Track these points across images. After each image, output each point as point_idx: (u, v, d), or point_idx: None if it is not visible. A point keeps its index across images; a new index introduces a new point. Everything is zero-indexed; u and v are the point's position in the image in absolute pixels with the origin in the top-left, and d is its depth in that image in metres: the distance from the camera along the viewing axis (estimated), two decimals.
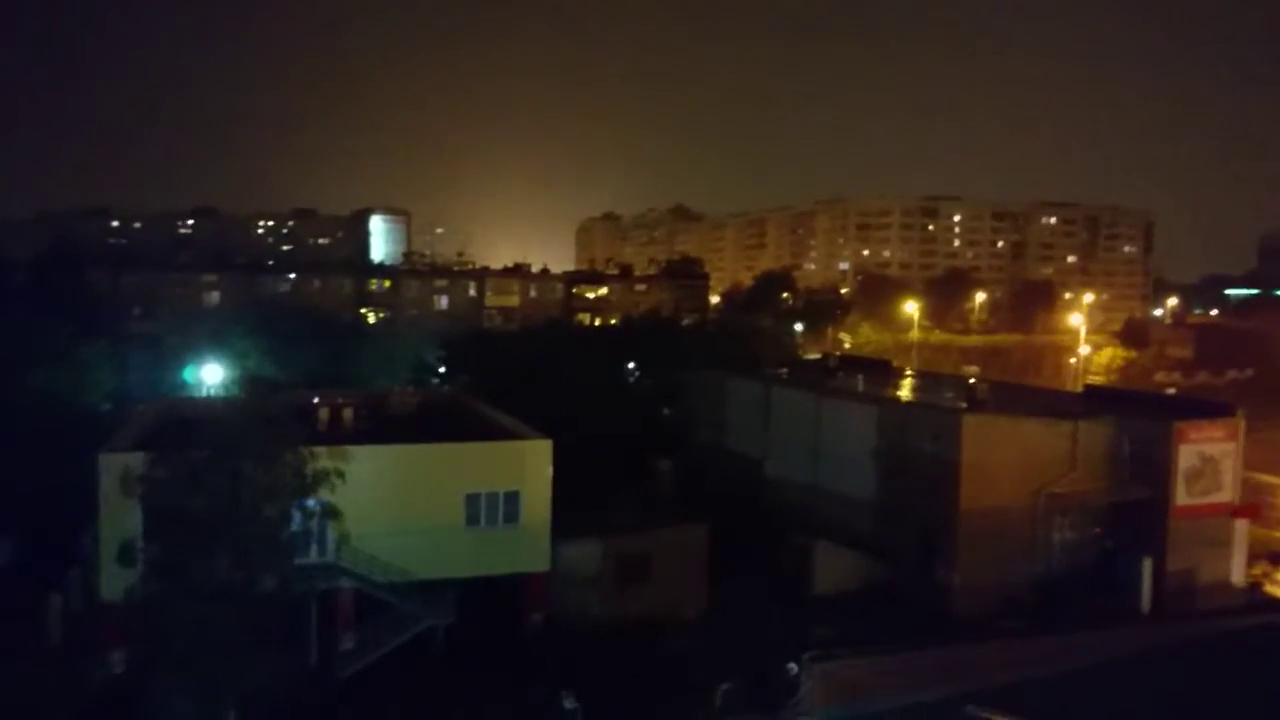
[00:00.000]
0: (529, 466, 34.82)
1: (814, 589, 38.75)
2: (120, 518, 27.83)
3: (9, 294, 66.48)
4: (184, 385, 56.44)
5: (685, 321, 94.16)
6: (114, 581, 27.95)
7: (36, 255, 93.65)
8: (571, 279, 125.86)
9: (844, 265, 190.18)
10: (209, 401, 42.93)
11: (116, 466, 28.57)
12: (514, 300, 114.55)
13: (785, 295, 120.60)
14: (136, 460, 26.89)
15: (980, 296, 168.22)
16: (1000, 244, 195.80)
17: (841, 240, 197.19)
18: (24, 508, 37.61)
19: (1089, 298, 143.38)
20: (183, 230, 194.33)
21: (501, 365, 53.90)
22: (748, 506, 43.70)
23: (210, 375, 56.22)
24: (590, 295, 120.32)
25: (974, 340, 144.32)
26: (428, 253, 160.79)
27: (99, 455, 30.17)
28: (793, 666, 26.30)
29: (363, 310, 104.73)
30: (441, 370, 63.55)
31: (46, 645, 32.21)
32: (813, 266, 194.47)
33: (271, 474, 25.28)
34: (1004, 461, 37.99)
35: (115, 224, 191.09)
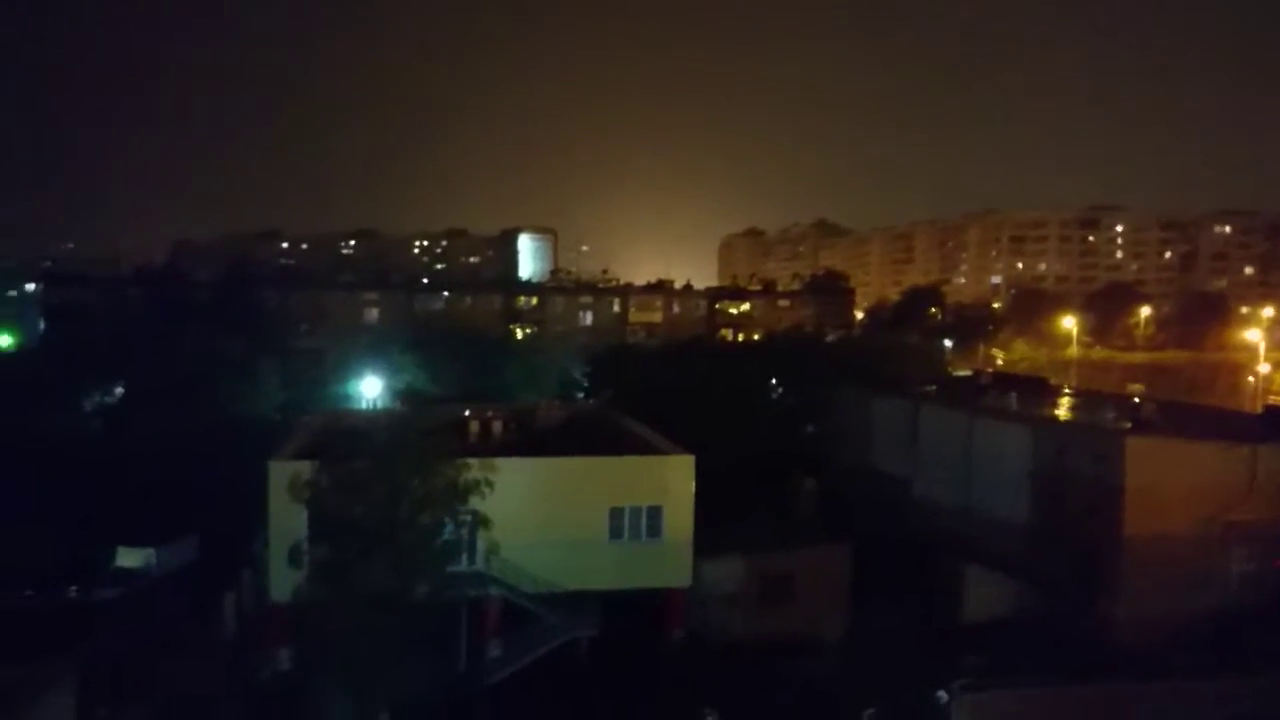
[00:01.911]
0: (672, 481, 35.04)
1: (963, 615, 37.40)
2: (288, 522, 29.49)
3: (194, 312, 71.77)
4: (346, 397, 59.45)
5: (829, 337, 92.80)
6: (282, 583, 29.65)
7: (217, 275, 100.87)
8: (714, 295, 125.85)
9: (996, 279, 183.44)
10: (369, 413, 45.11)
11: (285, 473, 30.33)
12: (657, 316, 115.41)
13: (933, 310, 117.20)
14: (303, 468, 28.49)
15: (1146, 311, 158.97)
16: (1168, 255, 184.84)
17: (994, 253, 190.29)
18: (206, 510, 40.46)
19: (1268, 312, 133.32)
20: (345, 250, 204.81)
21: (645, 381, 54.42)
22: (893, 527, 42.65)
23: (370, 388, 59.08)
24: (733, 311, 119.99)
25: (1139, 358, 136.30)
26: (573, 270, 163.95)
27: (269, 462, 32.17)
28: (942, 695, 25.48)
29: (511, 326, 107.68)
30: (586, 385, 64.71)
31: (221, 640, 34.44)
32: (963, 281, 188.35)
33: (426, 484, 26.33)
34: (1173, 487, 35.71)
35: (285, 245, 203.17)
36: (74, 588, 37.46)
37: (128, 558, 39.41)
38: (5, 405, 48.82)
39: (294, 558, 27.19)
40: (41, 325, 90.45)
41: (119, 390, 60.86)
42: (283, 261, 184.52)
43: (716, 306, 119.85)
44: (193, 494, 40.14)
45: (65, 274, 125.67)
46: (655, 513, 34.64)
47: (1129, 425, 40.35)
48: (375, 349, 65.11)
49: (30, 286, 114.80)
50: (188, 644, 32.88)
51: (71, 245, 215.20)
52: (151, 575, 39.20)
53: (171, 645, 32.21)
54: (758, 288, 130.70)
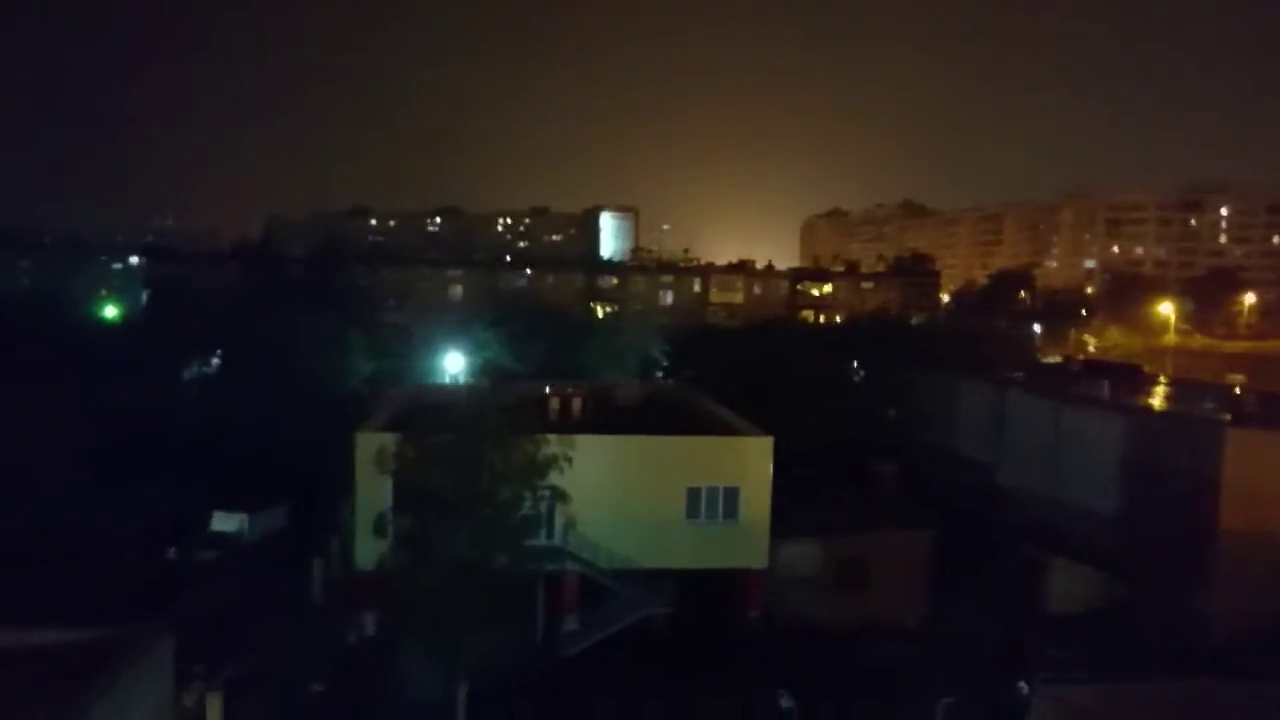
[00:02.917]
0: (750, 463, 34.95)
1: (1047, 605, 36.59)
2: (374, 492, 30.29)
3: (288, 287, 73.97)
4: (430, 372, 60.63)
5: (913, 321, 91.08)
6: (367, 551, 30.52)
7: (310, 252, 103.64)
8: (796, 276, 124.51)
9: (1090, 263, 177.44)
10: (452, 388, 45.93)
11: (371, 444, 31.11)
12: (738, 297, 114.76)
13: (1022, 295, 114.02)
14: (388, 440, 29.18)
15: (1250, 298, 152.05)
16: (1276, 240, 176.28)
17: (1088, 236, 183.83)
18: (296, 479, 41.85)
19: None
20: (431, 228, 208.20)
21: (724, 361, 54.23)
22: (976, 515, 41.83)
23: (453, 364, 60.15)
24: (815, 292, 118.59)
25: (1240, 346, 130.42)
26: (654, 249, 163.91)
27: (356, 434, 33.05)
28: (1023, 686, 24.93)
29: (592, 304, 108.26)
30: (666, 364, 64.80)
31: (310, 603, 35.64)
32: (1054, 264, 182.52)
33: (507, 458, 26.74)
34: (1273, 481, 34.32)
35: (373, 222, 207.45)
36: (172, 550, 39.20)
37: (222, 523, 41.02)
38: (110, 374, 51.06)
39: (379, 527, 27.93)
40: (144, 298, 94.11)
41: (216, 361, 63.17)
42: (371, 239, 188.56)
43: (798, 287, 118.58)
44: (284, 463, 41.54)
45: (166, 248, 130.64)
46: (732, 493, 34.61)
47: (1228, 416, 38.82)
48: (459, 325, 66.22)
49: (134, 260, 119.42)
50: (279, 607, 34.13)
51: (171, 221, 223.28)
52: (244, 540, 40.76)
53: (263, 607, 33.48)
54: (840, 269, 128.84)
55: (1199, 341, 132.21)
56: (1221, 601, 33.78)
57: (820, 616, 34.15)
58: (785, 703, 26.63)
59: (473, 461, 26.31)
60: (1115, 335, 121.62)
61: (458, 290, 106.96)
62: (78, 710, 17.95)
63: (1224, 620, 33.46)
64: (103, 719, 18.69)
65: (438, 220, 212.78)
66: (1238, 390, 48.60)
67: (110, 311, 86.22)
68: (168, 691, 22.33)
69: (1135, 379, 54.31)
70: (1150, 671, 25.40)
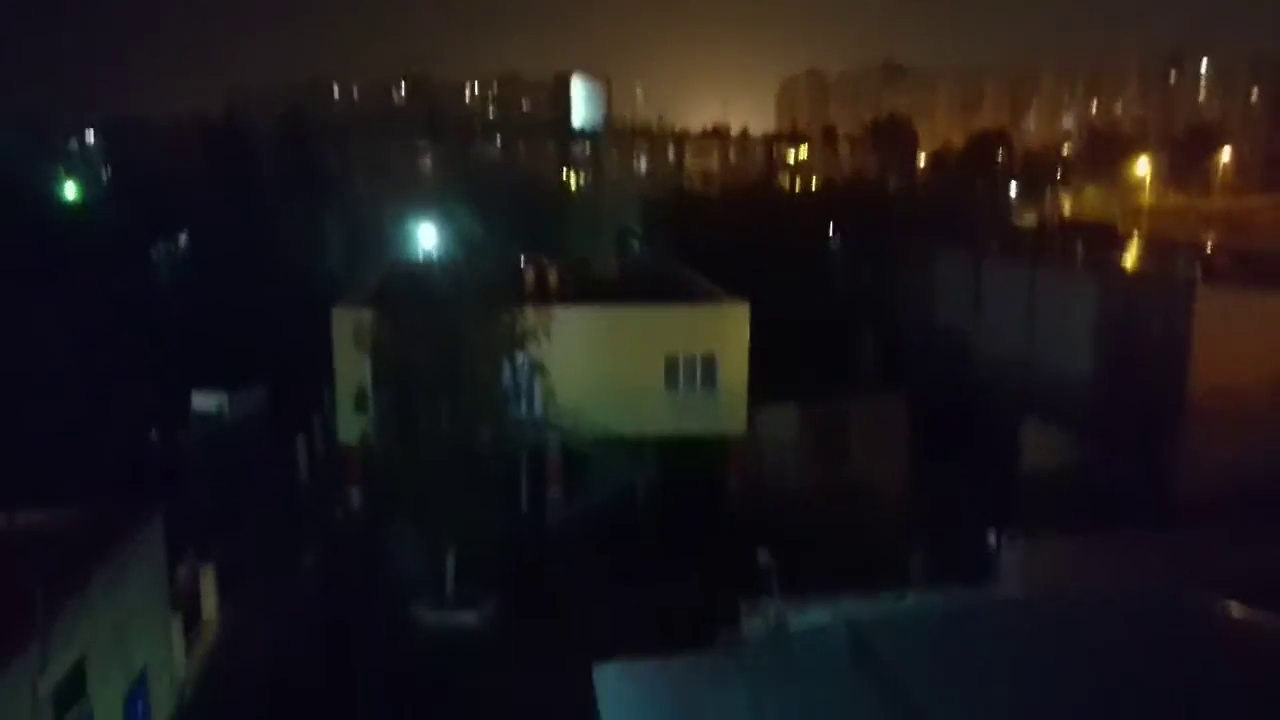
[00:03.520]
0: (727, 330, 35.09)
1: (1021, 466, 37.59)
2: (353, 368, 30.32)
3: (254, 163, 72.10)
4: (404, 248, 59.88)
5: (891, 186, 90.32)
6: (349, 426, 30.76)
7: (273, 123, 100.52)
8: (772, 141, 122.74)
9: (1068, 123, 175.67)
10: (427, 263, 45.36)
11: (348, 321, 30.98)
12: (713, 163, 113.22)
13: (1000, 157, 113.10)
14: (365, 316, 28.99)
15: (1227, 155, 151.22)
16: (1254, 98, 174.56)
17: (1067, 97, 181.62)
18: (274, 359, 41.73)
19: None
20: (396, 99, 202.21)
21: (701, 229, 53.86)
22: (952, 380, 42.51)
23: (427, 239, 59.36)
24: (791, 159, 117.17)
25: (1217, 204, 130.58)
26: (628, 116, 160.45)
27: (333, 310, 32.84)
28: (992, 541, 25.85)
29: (565, 174, 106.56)
30: (641, 234, 64.28)
31: (296, 480, 36.10)
32: (1033, 127, 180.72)
33: (485, 332, 26.70)
34: (1245, 340, 34.90)
35: (336, 95, 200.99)
36: (153, 432, 39.28)
37: (202, 403, 41.03)
38: (75, 257, 50.16)
39: (359, 403, 28.06)
40: (105, 177, 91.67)
41: (183, 240, 62.09)
42: (334, 111, 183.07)
43: (774, 153, 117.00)
44: (261, 344, 41.36)
45: (123, 121, 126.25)
46: (710, 361, 34.87)
47: (1199, 275, 39.20)
48: (431, 199, 65.14)
49: (90, 139, 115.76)
50: (264, 484, 34.55)
51: (126, 96, 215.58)
52: (225, 420, 40.89)
53: (249, 485, 33.88)
54: (817, 134, 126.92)
55: (1175, 201, 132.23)
56: (1189, 457, 34.81)
57: (799, 482, 35.00)
58: (764, 560, 27.50)
59: (450, 335, 26.27)
60: (1092, 196, 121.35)
61: (427, 163, 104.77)
62: (74, 590, 18.28)
63: (1190, 475, 34.55)
64: (99, 597, 19.08)
65: (403, 90, 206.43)
66: (1210, 249, 48.91)
67: (70, 193, 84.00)
68: (161, 569, 22.76)
69: (1110, 240, 54.54)
70: (1115, 524, 26.36)
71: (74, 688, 17.93)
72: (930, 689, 15.32)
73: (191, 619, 24.73)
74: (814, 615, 18.25)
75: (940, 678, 15.70)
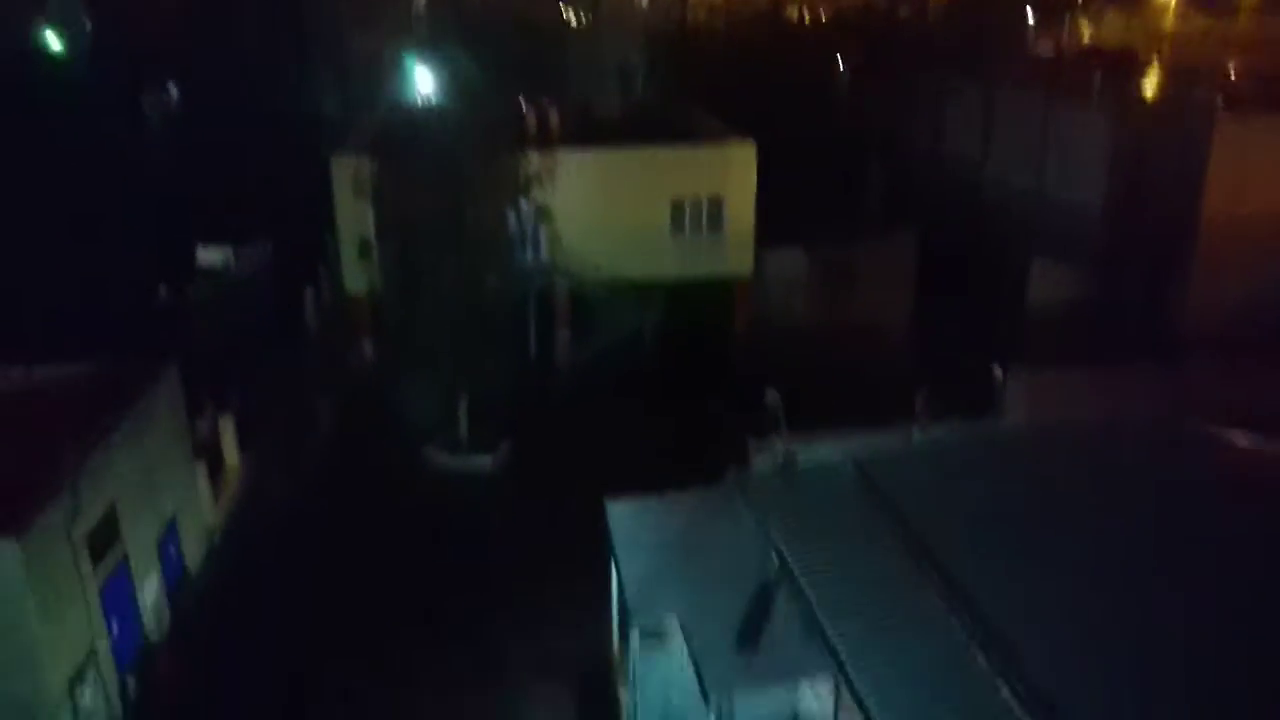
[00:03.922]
0: (733, 171, 34.47)
1: (1029, 301, 37.57)
2: (355, 218, 30.09)
3: (239, 5, 69.23)
4: (401, 92, 58.28)
5: (902, 14, 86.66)
6: (355, 276, 30.80)
7: None
8: None
9: None
10: (426, 108, 44.23)
11: (348, 169, 30.48)
12: None
13: None
14: (365, 163, 28.49)
15: None
16: None
17: None
18: (276, 211, 41.33)
19: None
20: None
21: (705, 65, 52.14)
22: (963, 217, 41.98)
23: (424, 83, 57.66)
24: None
25: (1244, 27, 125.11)
26: None
27: (332, 158, 32.27)
28: (998, 373, 26.08)
29: (564, 10, 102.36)
30: (644, 72, 62.27)
31: (306, 332, 36.37)
32: None
33: (487, 177, 26.29)
34: (1265, 169, 34.11)
35: None
36: (161, 287, 39.34)
37: (207, 257, 40.91)
38: (64, 109, 49.02)
39: (364, 251, 27.98)
40: (88, 26, 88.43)
41: (175, 91, 60.50)
42: None
43: None
44: (261, 196, 40.85)
45: None
46: (716, 203, 34.43)
47: (1220, 101, 38.01)
48: (426, 41, 62.88)
49: None
50: (275, 336, 34.83)
51: None
52: (231, 274, 40.86)
53: (260, 337, 34.15)
54: None
55: (1200, 23, 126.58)
56: (1200, 291, 34.61)
57: (807, 322, 35.14)
58: (771, 399, 27.94)
59: (451, 181, 25.88)
60: (1113, 21, 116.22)
61: (421, 2, 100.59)
62: (99, 440, 18.73)
63: (1199, 311, 34.44)
64: (123, 447, 19.57)
65: None
66: (1233, 74, 47.23)
67: (54, 44, 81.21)
68: (181, 419, 23.24)
69: (1130, 67, 52.65)
70: (1121, 356, 26.52)
71: (108, 533, 18.62)
72: (934, 521, 15.83)
73: (215, 468, 25.42)
74: (821, 451, 18.70)
75: (944, 510, 16.20)
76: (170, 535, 21.64)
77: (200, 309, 37.28)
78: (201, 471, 24.13)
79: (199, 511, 23.78)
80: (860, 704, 12.03)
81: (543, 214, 29.00)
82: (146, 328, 33.13)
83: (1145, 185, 36.58)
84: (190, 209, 41.62)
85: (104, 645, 18.02)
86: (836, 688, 13.33)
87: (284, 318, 36.28)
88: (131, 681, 18.81)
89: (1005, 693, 11.74)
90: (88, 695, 17.13)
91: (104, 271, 38.51)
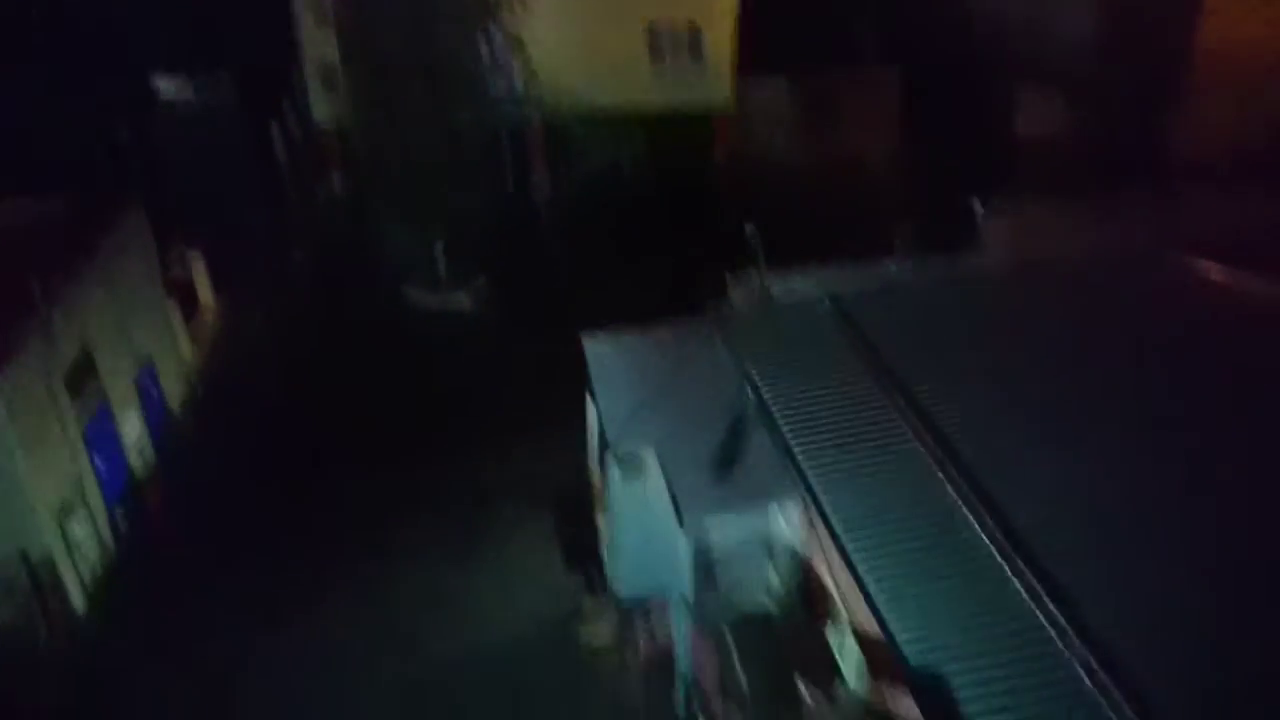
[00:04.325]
0: None
1: (1016, 132, 36.90)
2: (319, 44, 28.83)
3: None
4: None
5: None
6: (321, 105, 29.77)
7: None
8: None
9: None
10: None
11: None
12: None
13: None
14: None
15: None
16: None
17: None
18: (237, 42, 39.39)
19: None
20: None
21: None
22: (950, 46, 40.62)
23: None
24: None
25: None
26: None
27: None
28: (977, 206, 25.87)
29: None
30: None
31: (276, 167, 35.42)
32: None
33: (453, 1, 25.06)
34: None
35: None
36: (122, 120, 37.96)
37: (168, 89, 39.36)
38: None
39: (328, 78, 26.95)
40: None
41: None
42: None
43: None
44: (220, 25, 38.86)
45: None
46: (696, 34, 33.13)
47: None
48: None
49: None
50: (242, 170, 33.95)
51: None
52: (194, 107, 39.42)
53: (227, 171, 33.29)
54: None
55: None
56: (1192, 120, 33.96)
57: (789, 155, 34.48)
58: (750, 232, 27.74)
59: (418, 5, 24.65)
60: None
61: None
62: (70, 278, 18.45)
63: (1194, 138, 33.81)
64: (95, 285, 19.30)
65: None
66: None
67: None
68: (151, 259, 22.86)
69: None
70: (1111, 187, 26.23)
71: (85, 371, 18.61)
72: (908, 355, 16.00)
73: (189, 307, 25.22)
74: (798, 286, 18.68)
75: (919, 345, 16.34)
76: (149, 375, 21.66)
77: (163, 143, 36.15)
78: (175, 311, 23.95)
79: (176, 351, 23.75)
80: (828, 527, 12.47)
81: (514, 43, 27.76)
82: (108, 163, 32.18)
83: (1138, 11, 35.38)
84: (147, 37, 39.66)
85: (91, 481, 18.32)
86: (806, 513, 13.79)
87: (251, 151, 35.25)
88: (121, 515, 19.23)
89: (972, 521, 12.17)
90: (77, 527, 17.53)
91: (59, 105, 37.06)
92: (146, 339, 21.67)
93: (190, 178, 31.58)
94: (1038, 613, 10.73)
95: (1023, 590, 11.02)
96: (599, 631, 16.65)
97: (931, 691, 10.17)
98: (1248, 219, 18.02)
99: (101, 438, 18.95)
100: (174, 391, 23.07)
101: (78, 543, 17.49)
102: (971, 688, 10.11)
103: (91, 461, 18.42)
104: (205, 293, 26.55)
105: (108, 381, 19.49)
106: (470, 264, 28.21)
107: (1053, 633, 10.46)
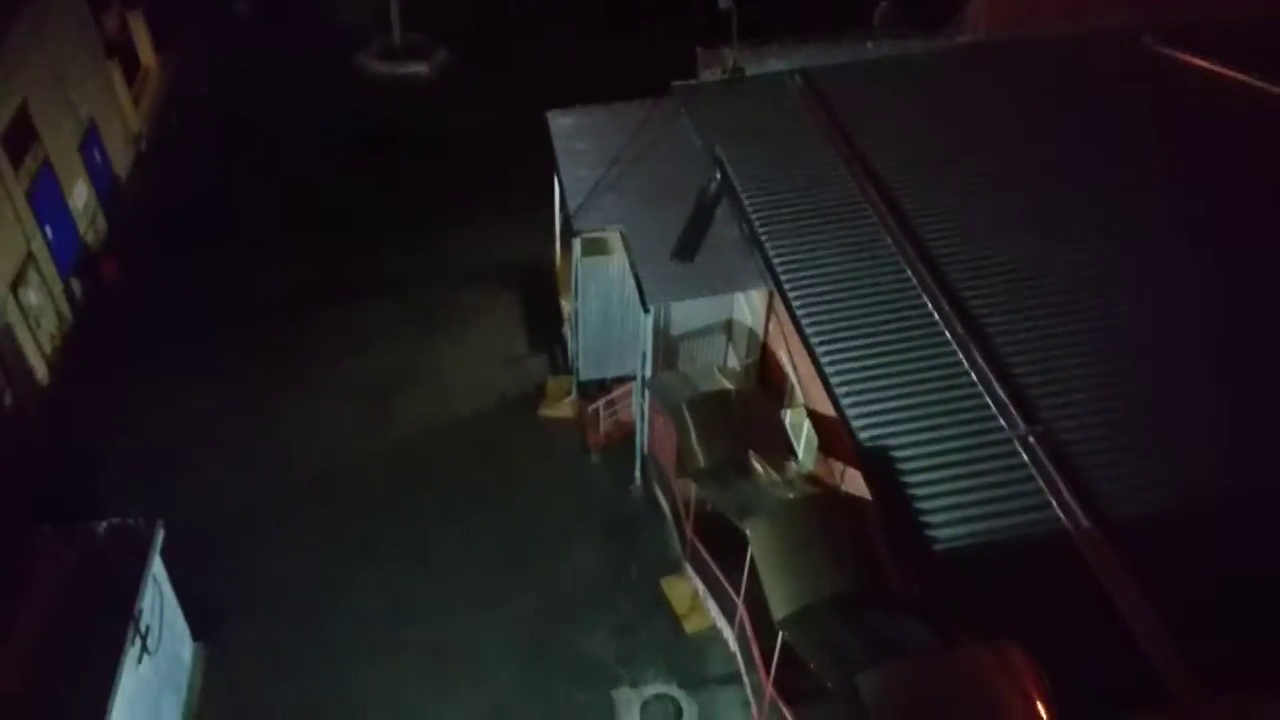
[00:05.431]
0: None
1: None
2: None
3: None
4: None
5: None
6: None
7: None
8: None
9: None
10: None
11: None
12: None
13: None
14: None
15: None
16: None
17: None
18: None
19: None
20: None
21: None
22: None
23: None
24: None
25: None
26: None
27: None
28: None
29: None
30: None
31: None
32: None
33: None
34: None
35: None
36: None
37: None
38: None
39: None
40: None
41: None
42: None
43: None
44: None
45: None
46: None
47: None
48: None
49: None
50: None
51: None
52: None
53: None
54: None
55: None
56: None
57: None
58: (724, 5, 26.35)
59: None
60: None
61: None
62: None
63: None
64: (26, 40, 18.08)
65: None
66: None
67: None
68: (84, 14, 21.29)
69: None
70: None
71: (24, 135, 17.74)
72: (877, 134, 15.67)
73: (130, 69, 23.78)
74: (770, 63, 17.97)
75: (889, 123, 15.96)
76: (92, 139, 20.73)
77: None
78: (117, 73, 22.61)
79: (120, 115, 22.62)
80: (790, 310, 12.59)
81: None
82: None
83: None
84: None
85: (41, 249, 17.87)
86: (769, 297, 13.88)
87: None
88: (76, 284, 18.93)
89: (929, 304, 12.33)
90: (32, 295, 17.27)
91: None
92: (86, 102, 20.57)
93: None
94: (986, 397, 11.11)
95: (973, 374, 11.35)
96: (561, 408, 17.07)
97: (880, 466, 10.65)
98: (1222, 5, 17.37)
99: (49, 205, 18.33)
100: (120, 158, 22.19)
101: (35, 313, 17.26)
102: (918, 462, 10.60)
103: (41, 229, 17.90)
104: (147, 53, 24.99)
105: (49, 146, 18.64)
106: (429, 32, 26.77)
107: (997, 414, 10.88)
